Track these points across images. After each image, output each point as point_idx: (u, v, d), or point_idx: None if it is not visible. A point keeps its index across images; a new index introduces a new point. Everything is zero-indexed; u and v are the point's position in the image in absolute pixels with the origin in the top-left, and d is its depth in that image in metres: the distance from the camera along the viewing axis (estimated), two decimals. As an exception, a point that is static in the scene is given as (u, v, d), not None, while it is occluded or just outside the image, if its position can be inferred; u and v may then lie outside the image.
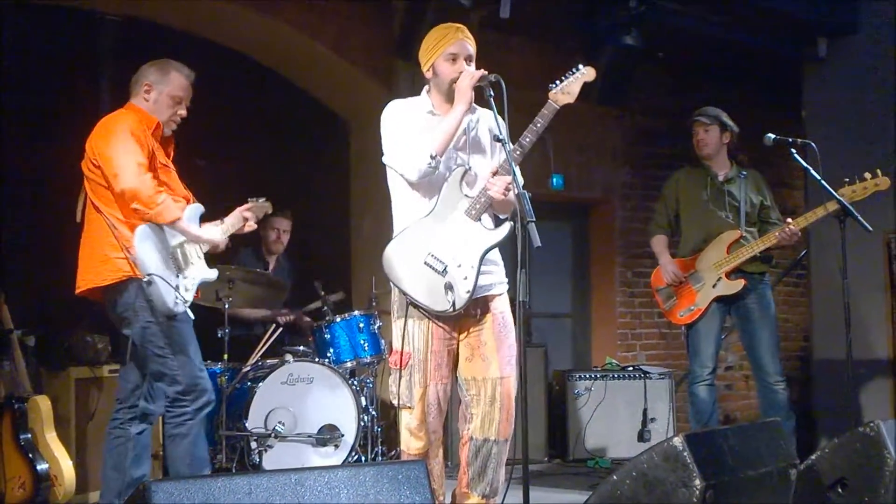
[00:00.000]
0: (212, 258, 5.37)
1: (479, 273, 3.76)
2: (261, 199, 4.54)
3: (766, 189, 5.72)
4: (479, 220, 3.82)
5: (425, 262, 3.78)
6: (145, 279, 3.96)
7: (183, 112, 4.38)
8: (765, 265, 5.58)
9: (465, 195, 3.84)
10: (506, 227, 3.82)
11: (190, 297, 4.22)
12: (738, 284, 5.45)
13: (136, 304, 4.02)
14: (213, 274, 4.44)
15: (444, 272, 3.76)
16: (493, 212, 3.93)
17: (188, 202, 4.34)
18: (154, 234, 4.08)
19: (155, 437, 5.37)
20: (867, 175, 5.10)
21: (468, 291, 3.74)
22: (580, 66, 3.81)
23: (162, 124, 4.32)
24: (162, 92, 4.31)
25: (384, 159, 3.94)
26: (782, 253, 7.56)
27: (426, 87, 4.00)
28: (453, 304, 3.74)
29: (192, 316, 4.19)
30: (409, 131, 3.84)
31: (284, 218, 6.59)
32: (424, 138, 3.78)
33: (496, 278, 3.92)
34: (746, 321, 5.57)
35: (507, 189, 3.71)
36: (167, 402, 4.16)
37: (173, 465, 4.21)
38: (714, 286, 5.49)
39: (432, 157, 3.73)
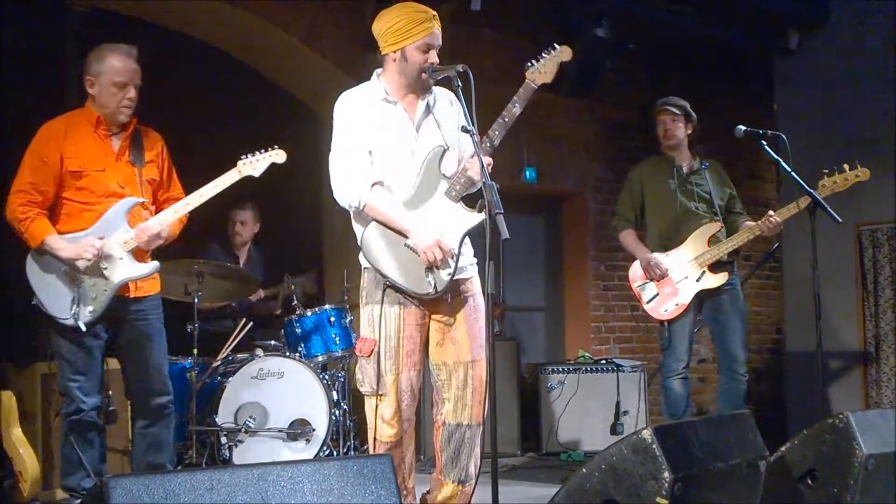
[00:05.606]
0: (181, 252, 5.32)
1: (459, 254, 3.74)
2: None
3: (728, 179, 5.71)
4: (459, 201, 3.77)
5: (406, 244, 3.73)
6: (34, 302, 4.09)
7: (132, 95, 4.19)
8: (734, 255, 5.57)
9: (444, 176, 3.80)
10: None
11: (96, 306, 4.10)
12: (722, 278, 5.43)
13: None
14: (142, 270, 4.21)
15: None
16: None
17: (121, 197, 4.18)
18: (39, 259, 4.10)
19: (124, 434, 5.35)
20: (846, 167, 5.08)
21: (449, 274, 3.71)
22: (556, 45, 3.80)
23: (111, 114, 4.20)
24: (103, 83, 4.16)
25: (330, 156, 3.83)
26: (755, 246, 7.60)
27: (377, 70, 3.89)
28: (435, 286, 3.71)
29: (83, 329, 4.07)
30: (358, 140, 3.75)
31: (242, 209, 6.51)
32: (371, 167, 3.74)
33: (467, 261, 3.88)
34: (719, 312, 5.53)
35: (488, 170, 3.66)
36: None
37: None
38: (698, 280, 5.45)
39: (360, 205, 3.72)
